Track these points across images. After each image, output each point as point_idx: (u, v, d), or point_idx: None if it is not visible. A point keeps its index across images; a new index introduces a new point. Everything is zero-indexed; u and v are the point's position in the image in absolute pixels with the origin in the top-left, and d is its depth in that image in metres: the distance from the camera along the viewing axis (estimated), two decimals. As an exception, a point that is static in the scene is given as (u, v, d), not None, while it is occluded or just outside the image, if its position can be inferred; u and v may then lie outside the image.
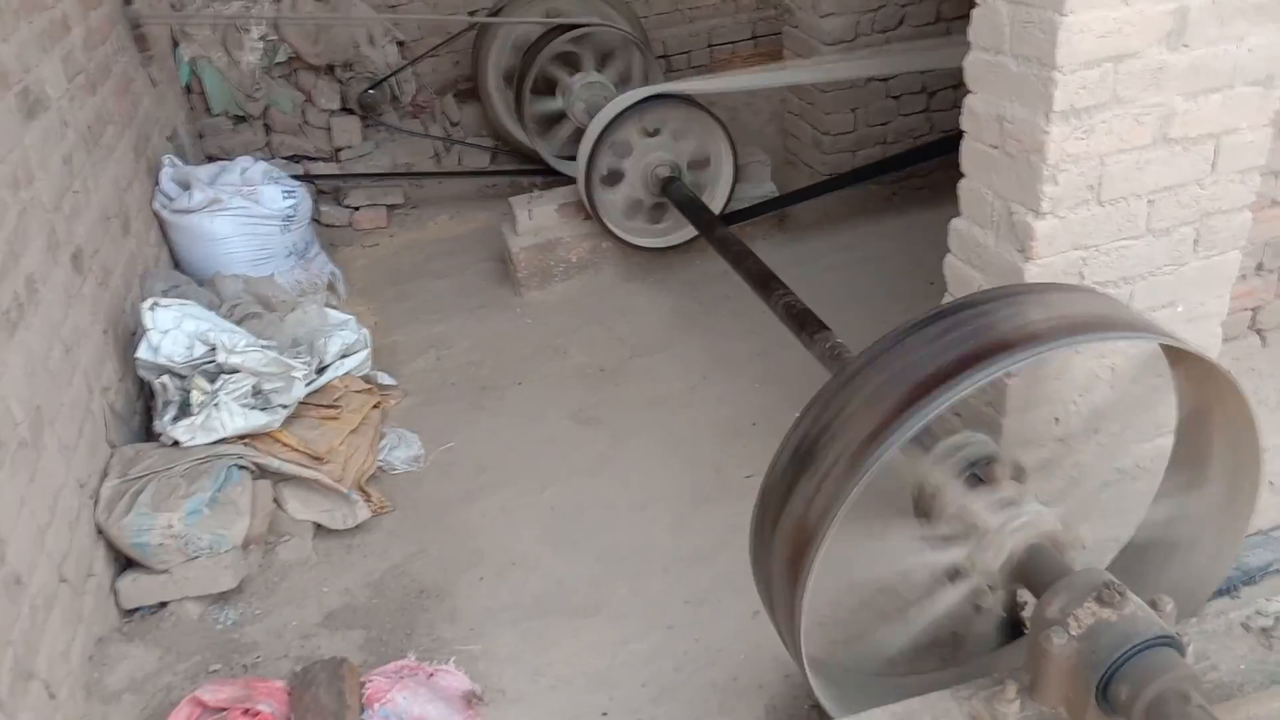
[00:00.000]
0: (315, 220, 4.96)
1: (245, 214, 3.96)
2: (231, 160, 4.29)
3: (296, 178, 4.78)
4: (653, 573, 2.82)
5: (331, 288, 4.40)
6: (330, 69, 5.35)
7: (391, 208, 5.22)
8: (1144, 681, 1.65)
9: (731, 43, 6.67)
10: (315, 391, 3.32)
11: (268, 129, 5.33)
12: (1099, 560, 2.34)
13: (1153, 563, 2.29)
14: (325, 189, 5.22)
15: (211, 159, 4.92)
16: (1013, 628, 2.09)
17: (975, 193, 2.47)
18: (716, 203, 4.22)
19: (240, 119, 5.28)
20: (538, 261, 4.32)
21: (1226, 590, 2.60)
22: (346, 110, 5.40)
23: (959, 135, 2.49)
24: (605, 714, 2.40)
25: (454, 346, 4.10)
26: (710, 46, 6.62)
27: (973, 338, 1.83)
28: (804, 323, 2.85)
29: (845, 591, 2.57)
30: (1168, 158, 2.30)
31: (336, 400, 3.33)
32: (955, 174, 2.53)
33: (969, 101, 2.41)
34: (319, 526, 3.01)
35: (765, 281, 3.13)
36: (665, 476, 3.22)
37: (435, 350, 4.08)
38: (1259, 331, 3.15)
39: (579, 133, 4.96)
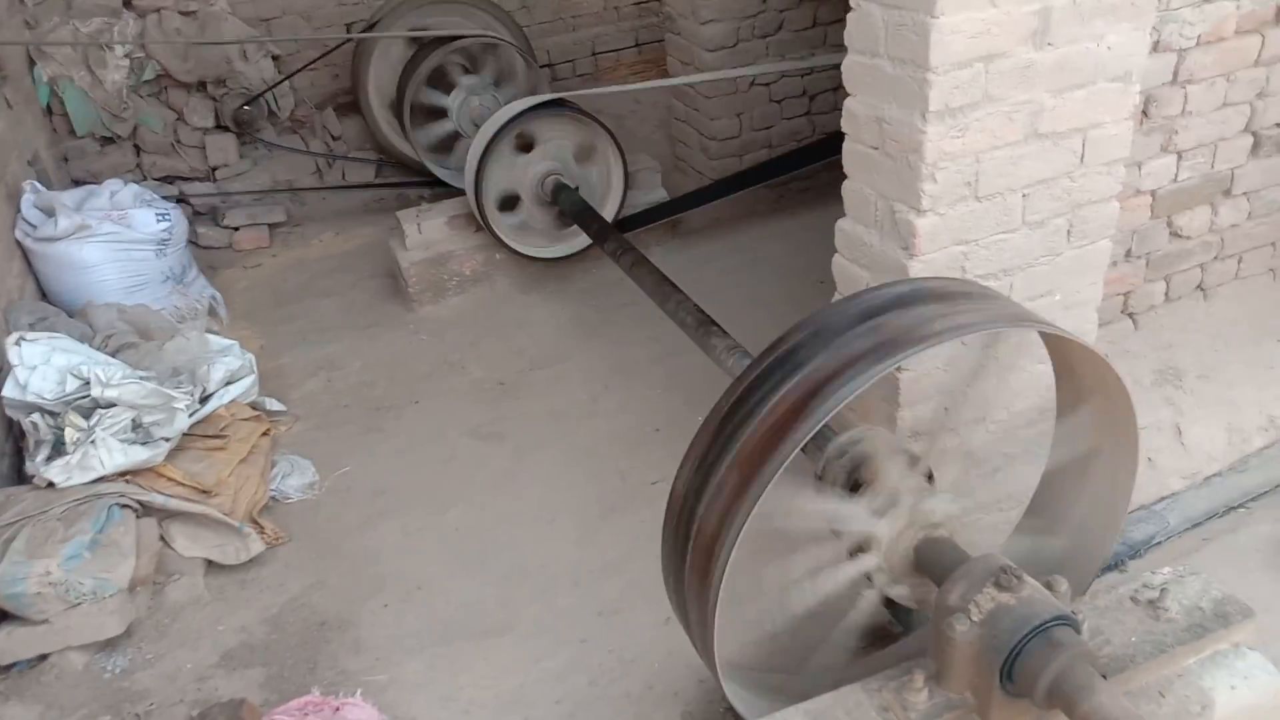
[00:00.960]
0: (193, 243, 4.78)
1: (116, 239, 3.78)
2: (100, 184, 4.08)
3: (170, 199, 4.61)
4: (562, 587, 2.79)
5: (213, 312, 4.24)
6: (202, 85, 5.16)
7: (274, 226, 5.05)
8: (1045, 661, 1.70)
9: (615, 50, 6.69)
10: (200, 422, 3.18)
11: (138, 150, 5.10)
12: (995, 543, 2.41)
13: (1058, 517, 2.37)
14: (202, 210, 5.03)
15: (78, 183, 4.68)
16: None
17: (859, 193, 2.52)
18: (608, 210, 4.22)
19: (108, 140, 5.04)
20: (430, 276, 4.24)
21: (1114, 565, 2.71)
22: (221, 128, 5.21)
23: (839, 137, 2.54)
24: (520, 735, 2.36)
25: (345, 367, 3.99)
26: (594, 54, 6.63)
27: (864, 336, 1.86)
28: (702, 328, 2.86)
29: (758, 595, 2.59)
30: (1039, 152, 2.39)
31: (223, 430, 3.20)
32: (838, 175, 2.58)
33: (848, 104, 2.45)
34: (210, 563, 2.88)
35: (662, 288, 3.14)
36: (570, 488, 3.19)
37: (326, 372, 3.97)
38: (1130, 315, 3.30)
39: (468, 144, 4.93)
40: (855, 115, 2.43)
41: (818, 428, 1.74)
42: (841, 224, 2.63)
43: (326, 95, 5.80)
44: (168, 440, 2.96)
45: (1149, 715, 1.91)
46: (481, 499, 3.19)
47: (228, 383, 3.33)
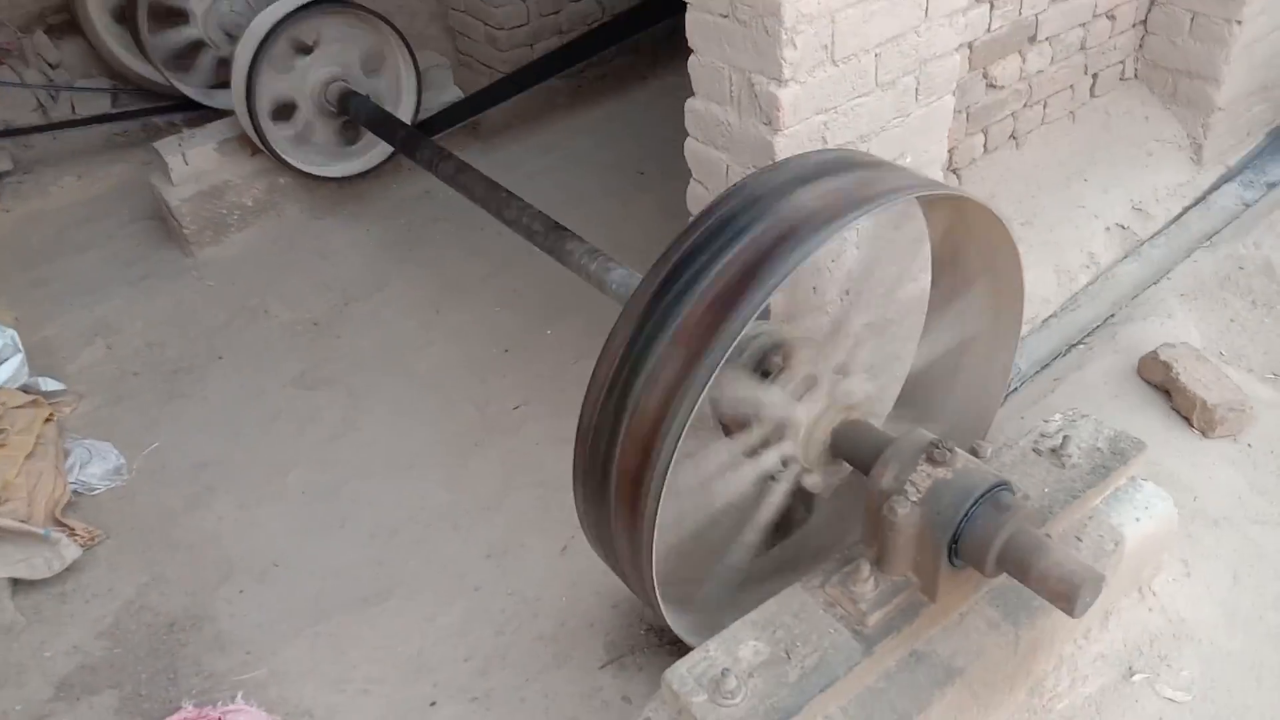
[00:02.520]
0: (-104, 207, 4.00)
1: None
2: None
3: None
4: (439, 535, 2.56)
5: (-56, 291, 3.57)
6: None
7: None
8: (993, 530, 1.66)
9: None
10: (-37, 419, 2.67)
11: None
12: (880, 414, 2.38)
13: (934, 402, 2.37)
14: (-100, 166, 4.20)
15: None
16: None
17: (710, 68, 2.33)
18: (404, 114, 3.83)
19: None
20: (206, 212, 3.73)
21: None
22: (-96, 65, 4.33)
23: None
24: (433, 703, 2.15)
25: (125, 329, 3.47)
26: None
27: (806, 200, 1.71)
28: (553, 234, 2.62)
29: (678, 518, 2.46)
30: (889, 8, 2.28)
31: (-4, 424, 2.70)
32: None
33: (689, -32, 2.25)
34: (18, 581, 2.44)
35: (495, 194, 2.86)
36: (423, 427, 2.92)
37: (102, 338, 3.43)
38: (955, 170, 3.34)
39: (224, 62, 4.34)
40: (698, -19, 2.23)
41: (774, 289, 1.58)
42: (692, 104, 2.45)
43: (31, 16, 4.94)
44: (-71, 448, 2.45)
45: (1074, 561, 1.94)
46: (323, 455, 2.88)
47: (-11, 367, 2.80)
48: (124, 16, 4.51)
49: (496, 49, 4.48)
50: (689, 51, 2.39)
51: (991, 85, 3.23)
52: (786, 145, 2.25)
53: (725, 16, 2.21)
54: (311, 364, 3.22)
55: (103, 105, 4.79)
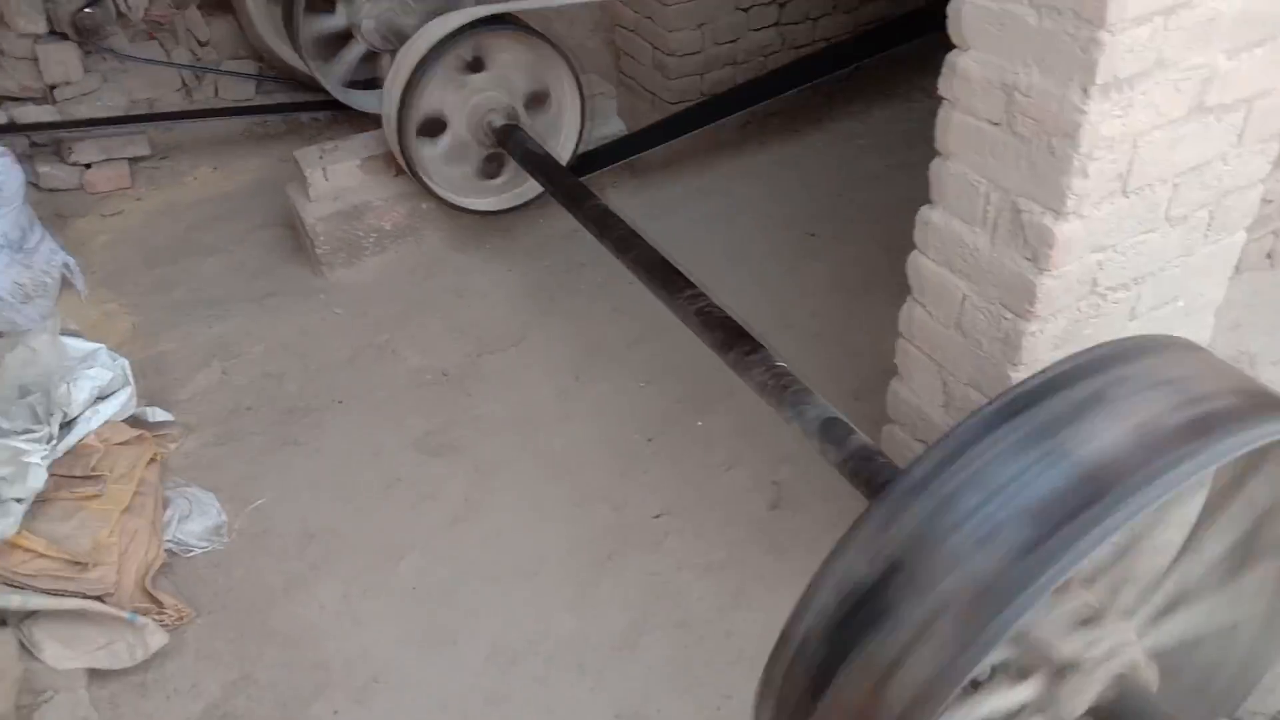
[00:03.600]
0: (33, 184, 3.84)
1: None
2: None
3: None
4: (564, 677, 2.21)
5: (67, 283, 3.38)
6: (26, -21, 4.09)
7: (135, 161, 4.12)
8: None
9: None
10: (64, 456, 2.43)
11: (-54, 64, 4.05)
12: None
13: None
14: (41, 142, 4.05)
15: None
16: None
17: (961, 179, 1.91)
18: (563, 151, 3.49)
19: (-98, 52, 3.98)
20: (341, 233, 3.45)
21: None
22: (58, 34, 4.17)
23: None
24: None
25: (244, 353, 3.22)
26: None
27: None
28: (730, 339, 2.23)
29: None
30: (1200, 131, 1.82)
31: (95, 468, 2.45)
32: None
33: (958, 61, 1.82)
34: (95, 669, 2.19)
35: (664, 276, 2.47)
36: (553, 523, 2.58)
37: (220, 360, 3.19)
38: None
39: (371, 56, 4.09)
40: (969, 77, 1.81)
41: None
42: (928, 215, 2.03)
43: (188, -12, 4.77)
44: (20, 501, 2.21)
45: None
46: (440, 542, 2.56)
47: (98, 399, 2.56)
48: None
49: (664, 76, 4.11)
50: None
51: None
52: (1052, 288, 1.82)
53: (997, 125, 1.79)
54: (438, 424, 2.91)
55: (247, 90, 4.60)
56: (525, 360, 3.13)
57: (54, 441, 2.40)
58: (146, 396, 2.94)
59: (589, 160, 3.58)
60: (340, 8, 4.04)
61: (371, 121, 3.64)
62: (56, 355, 2.57)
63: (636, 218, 3.48)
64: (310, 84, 4.29)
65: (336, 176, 3.42)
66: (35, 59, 4.12)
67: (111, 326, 3.31)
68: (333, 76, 4.13)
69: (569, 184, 3.00)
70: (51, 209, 3.89)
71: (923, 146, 1.99)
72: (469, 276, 3.50)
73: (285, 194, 3.56)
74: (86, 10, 4.06)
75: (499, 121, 3.26)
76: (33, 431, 2.37)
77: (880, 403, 2.35)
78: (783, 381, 2.09)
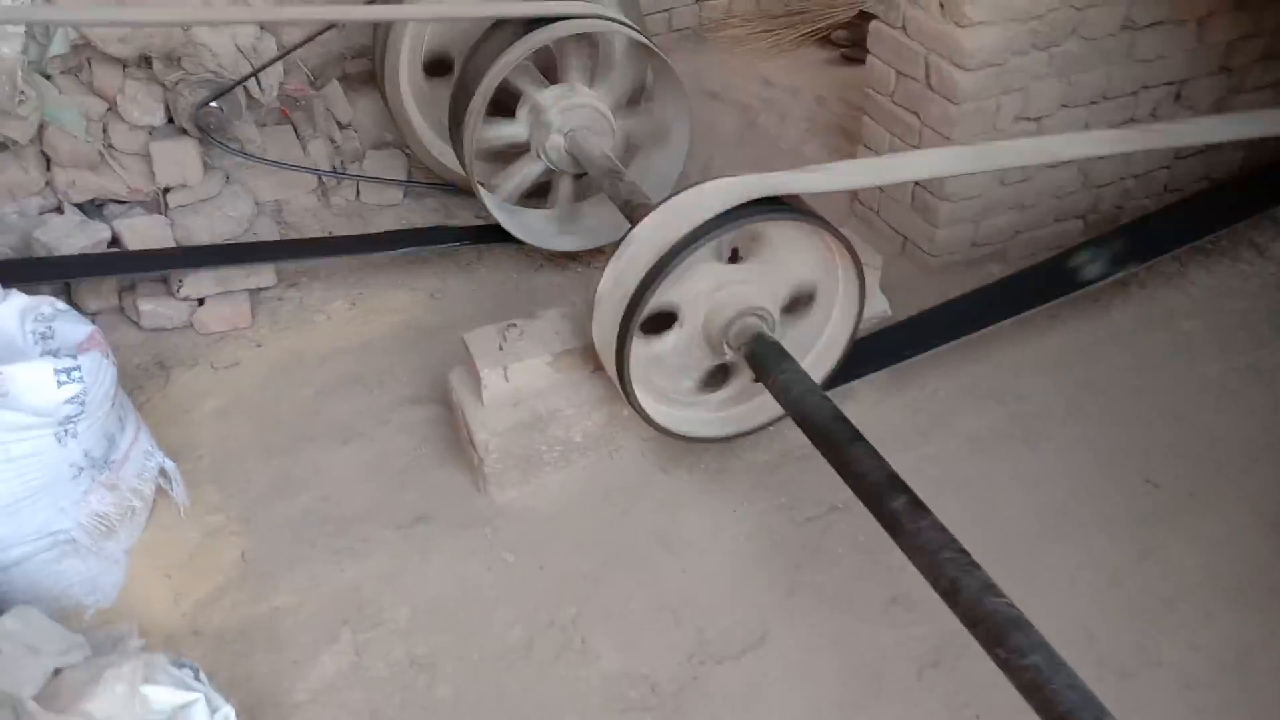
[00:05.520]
0: (133, 324, 3.12)
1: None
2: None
3: (88, 266, 2.93)
4: None
5: (162, 491, 2.61)
6: (145, 61, 3.34)
7: (257, 292, 3.35)
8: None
9: (726, -3, 4.86)
10: None
11: (46, 160, 3.33)
12: None
13: None
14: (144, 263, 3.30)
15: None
16: None
17: None
18: (819, 365, 2.57)
19: (-3, 147, 3.27)
20: (519, 448, 2.59)
21: None
22: (177, 128, 3.41)
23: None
24: None
25: (384, 619, 2.39)
26: (698, 3, 4.80)
27: None
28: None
29: None
30: None
31: None
32: None
33: None
34: None
35: (968, 604, 1.55)
36: None
37: (351, 629, 2.37)
38: None
39: (548, 174, 3.27)
40: None
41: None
42: None
43: (331, 58, 4.00)
44: None
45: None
46: None
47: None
48: (438, 68, 3.53)
49: (927, 221, 3.18)
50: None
51: None
52: None
53: None
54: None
55: (393, 194, 3.81)
56: (767, 677, 2.23)
57: None
58: (255, 695, 2.14)
59: (845, 360, 2.66)
60: (523, 115, 3.21)
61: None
62: (135, 710, 1.75)
63: (895, 433, 2.59)
64: (466, 186, 3.51)
65: (520, 376, 2.55)
66: (147, 155, 3.37)
67: (215, 559, 2.52)
68: (497, 194, 3.32)
69: (833, 428, 2.06)
70: (153, 354, 3.15)
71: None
72: (679, 514, 2.60)
73: (449, 394, 2.71)
74: (212, 105, 3.29)
75: (750, 328, 2.35)
76: None
77: None
78: None
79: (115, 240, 3.29)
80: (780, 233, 2.33)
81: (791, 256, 2.38)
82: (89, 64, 3.31)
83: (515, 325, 2.59)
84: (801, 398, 2.19)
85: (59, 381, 2.18)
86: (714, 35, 4.72)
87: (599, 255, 3.44)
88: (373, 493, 2.71)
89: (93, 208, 3.41)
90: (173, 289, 3.20)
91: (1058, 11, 2.86)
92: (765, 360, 2.31)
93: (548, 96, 3.14)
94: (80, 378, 2.22)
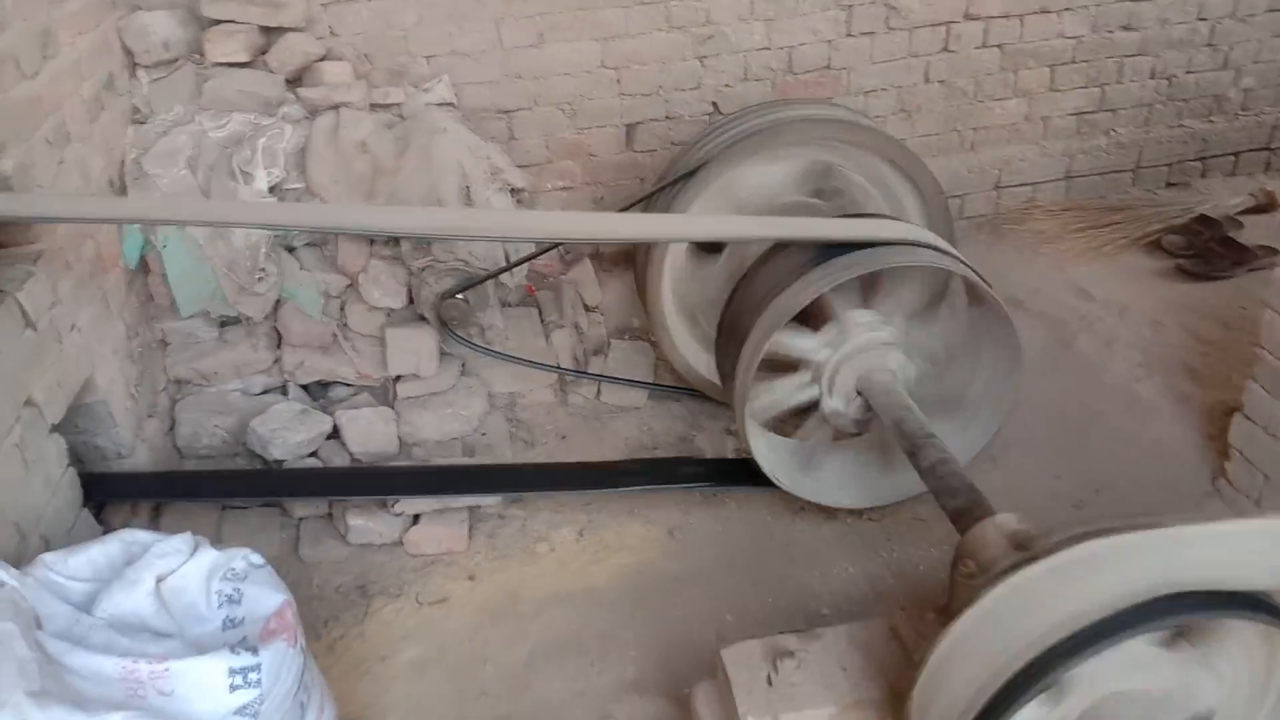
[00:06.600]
0: (340, 538, 2.75)
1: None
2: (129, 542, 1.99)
3: (296, 483, 2.58)
4: None
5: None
6: (394, 239, 3.06)
7: (477, 508, 2.92)
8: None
9: (1030, 184, 4.22)
10: None
11: (277, 338, 3.07)
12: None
13: None
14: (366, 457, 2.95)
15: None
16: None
17: None
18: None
19: (230, 322, 3.04)
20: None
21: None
22: (414, 309, 3.10)
23: None
24: None
25: None
26: (997, 188, 4.18)
27: None
28: None
29: None
30: None
31: None
32: None
33: None
34: None
35: None
36: None
37: None
38: None
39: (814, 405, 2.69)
40: None
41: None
42: None
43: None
44: None
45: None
46: None
47: None
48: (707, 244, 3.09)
49: None
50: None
51: None
52: None
53: None
54: None
55: (636, 397, 3.34)
56: None
57: None
58: None
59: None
60: (811, 373, 2.65)
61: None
62: None
63: None
64: (716, 395, 3.01)
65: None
66: (382, 340, 3.06)
67: None
68: (781, 451, 2.76)
69: None
70: (356, 575, 2.75)
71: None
72: None
73: (690, 701, 2.13)
74: (457, 298, 2.95)
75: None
76: None
77: None
78: None
79: (335, 433, 2.97)
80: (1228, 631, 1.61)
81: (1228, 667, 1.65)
82: (336, 238, 3.05)
83: (792, 655, 1.97)
84: None
85: (231, 685, 1.75)
86: (1014, 228, 4.07)
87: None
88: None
89: (317, 387, 3.13)
90: (387, 502, 2.81)
91: None
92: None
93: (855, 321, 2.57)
94: (259, 680, 1.78)
